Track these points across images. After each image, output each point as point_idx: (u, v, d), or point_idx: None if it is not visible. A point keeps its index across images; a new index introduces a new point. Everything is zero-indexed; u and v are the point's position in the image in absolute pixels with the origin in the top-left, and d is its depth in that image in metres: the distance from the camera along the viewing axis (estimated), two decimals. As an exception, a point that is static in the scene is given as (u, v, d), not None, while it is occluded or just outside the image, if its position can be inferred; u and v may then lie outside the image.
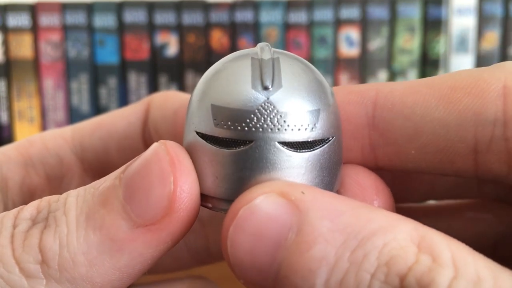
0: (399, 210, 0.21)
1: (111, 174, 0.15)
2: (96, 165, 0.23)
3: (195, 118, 0.15)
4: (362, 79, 0.56)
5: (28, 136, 0.23)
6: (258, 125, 0.14)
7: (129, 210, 0.14)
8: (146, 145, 0.23)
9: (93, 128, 0.23)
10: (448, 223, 0.21)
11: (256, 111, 0.14)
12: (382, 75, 0.56)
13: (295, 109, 0.15)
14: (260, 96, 0.15)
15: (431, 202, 0.23)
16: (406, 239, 0.13)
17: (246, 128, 0.14)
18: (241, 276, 0.14)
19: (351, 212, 0.13)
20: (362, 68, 0.56)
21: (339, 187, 0.17)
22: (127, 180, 0.15)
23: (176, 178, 0.14)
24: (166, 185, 0.14)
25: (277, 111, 0.14)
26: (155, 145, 0.15)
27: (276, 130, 0.15)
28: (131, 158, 0.23)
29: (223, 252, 0.14)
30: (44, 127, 0.55)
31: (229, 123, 0.15)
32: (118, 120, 0.23)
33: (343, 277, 0.13)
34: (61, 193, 0.23)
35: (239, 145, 0.15)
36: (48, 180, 0.23)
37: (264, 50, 0.15)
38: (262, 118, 0.14)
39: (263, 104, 0.14)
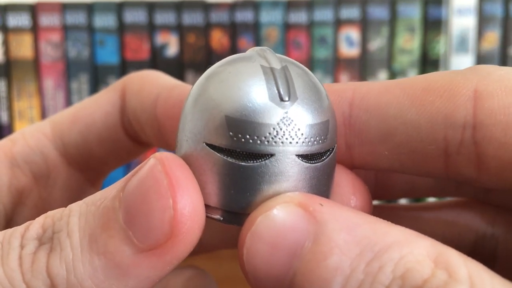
0: (380, 210, 0.21)
1: (110, 189, 0.15)
2: (79, 158, 0.23)
3: (203, 129, 0.15)
4: (362, 79, 0.56)
5: (10, 135, 0.23)
6: (278, 139, 0.14)
7: (130, 235, 0.14)
8: (127, 132, 0.23)
9: (70, 122, 0.23)
10: (427, 223, 0.21)
11: (277, 124, 0.14)
12: (382, 75, 0.56)
13: (311, 122, 0.15)
14: (279, 109, 0.14)
15: (405, 201, 0.23)
16: (422, 254, 0.13)
17: (266, 142, 0.14)
18: (255, 283, 0.14)
19: (368, 225, 0.13)
20: (362, 68, 0.56)
21: None
22: (126, 203, 0.14)
23: (175, 202, 0.14)
24: (165, 210, 0.14)
25: (295, 124, 0.14)
26: (151, 162, 0.15)
27: (295, 144, 0.14)
28: (113, 147, 0.23)
29: (238, 259, 0.14)
30: (44, 127, 0.55)
31: (247, 136, 0.14)
32: (95, 110, 0.23)
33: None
34: (48, 191, 0.23)
35: (258, 159, 0.14)
36: (35, 179, 0.23)
37: (270, 57, 0.15)
38: (282, 132, 0.14)
39: (282, 118, 0.14)
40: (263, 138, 0.14)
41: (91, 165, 0.23)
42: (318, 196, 0.15)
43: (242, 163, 0.14)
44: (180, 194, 0.14)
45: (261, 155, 0.14)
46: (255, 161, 0.14)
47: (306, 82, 0.15)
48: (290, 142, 0.14)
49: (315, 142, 0.15)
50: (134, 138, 0.23)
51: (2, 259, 0.15)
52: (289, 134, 0.14)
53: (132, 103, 0.22)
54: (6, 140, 0.23)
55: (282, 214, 0.14)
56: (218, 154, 0.15)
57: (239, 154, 0.15)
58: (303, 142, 0.15)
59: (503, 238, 0.20)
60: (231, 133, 0.14)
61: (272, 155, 0.14)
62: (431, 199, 0.46)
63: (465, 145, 0.16)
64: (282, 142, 0.14)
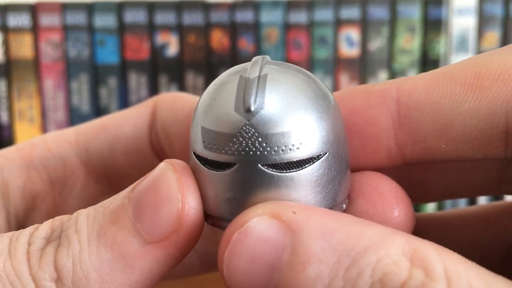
0: None
1: (119, 194, 0.16)
2: (101, 168, 0.23)
3: (192, 138, 0.16)
4: (362, 80, 0.56)
5: (29, 139, 0.23)
6: (240, 149, 0.15)
7: (139, 227, 0.15)
8: (153, 148, 0.23)
9: (98, 130, 0.23)
10: (457, 231, 0.21)
11: (238, 134, 0.15)
12: (382, 75, 0.56)
13: (276, 131, 0.15)
14: (242, 119, 0.15)
15: (437, 211, 0.23)
16: (398, 253, 0.13)
17: (229, 152, 0.15)
18: None
19: (343, 229, 0.13)
20: (362, 68, 0.56)
21: (346, 197, 0.17)
22: (136, 198, 0.15)
23: (183, 195, 0.15)
24: (174, 202, 0.15)
25: (258, 134, 0.15)
26: (162, 164, 0.16)
27: (258, 153, 0.15)
28: (138, 161, 0.23)
29: (220, 274, 0.15)
30: (44, 127, 0.55)
31: (214, 146, 0.15)
32: (124, 122, 0.23)
33: None
34: (63, 198, 0.23)
35: (225, 168, 0.15)
36: (51, 184, 0.22)
37: (254, 67, 0.15)
38: (244, 142, 0.15)
39: (244, 128, 0.15)
40: (227, 148, 0.15)
41: (111, 176, 0.23)
42: (291, 203, 0.15)
43: (213, 171, 0.15)
44: (187, 189, 0.15)
45: (226, 164, 0.15)
46: (222, 170, 0.15)
47: (284, 90, 0.15)
48: (252, 152, 0.15)
49: (283, 151, 0.15)
50: (159, 154, 0.23)
51: (10, 253, 0.15)
52: (251, 144, 0.15)
53: (163, 117, 0.23)
54: (25, 144, 0.23)
55: (257, 228, 0.14)
56: (199, 162, 0.16)
57: (211, 162, 0.15)
58: (266, 152, 0.15)
59: None
60: (204, 142, 0.15)
61: (234, 164, 0.15)
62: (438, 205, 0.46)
63: None
64: (244, 152, 0.15)
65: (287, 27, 0.55)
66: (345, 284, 0.13)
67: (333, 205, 0.16)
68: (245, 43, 0.55)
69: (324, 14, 0.55)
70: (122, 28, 0.54)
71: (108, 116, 0.24)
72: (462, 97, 0.16)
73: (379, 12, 0.55)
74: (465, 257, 0.13)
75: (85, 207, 0.16)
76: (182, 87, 0.55)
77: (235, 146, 0.15)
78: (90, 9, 0.53)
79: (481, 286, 0.12)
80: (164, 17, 0.54)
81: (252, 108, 0.15)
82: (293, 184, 0.15)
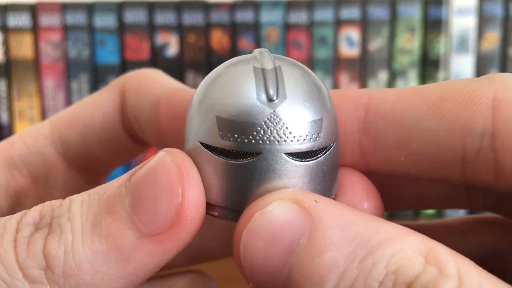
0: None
1: (115, 181, 0.15)
2: (79, 159, 0.23)
3: (199, 129, 0.16)
4: (362, 80, 0.56)
5: (8, 138, 0.23)
6: (265, 138, 0.15)
7: (135, 220, 0.14)
8: (127, 132, 0.23)
9: (70, 122, 0.23)
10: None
11: (263, 123, 0.15)
12: (382, 75, 0.56)
13: (300, 121, 0.15)
14: (266, 108, 0.15)
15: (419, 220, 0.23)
16: (414, 250, 0.13)
17: (253, 141, 0.15)
18: (251, 278, 0.14)
19: (361, 222, 0.14)
20: (362, 68, 0.56)
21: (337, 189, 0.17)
22: (134, 189, 0.15)
23: (184, 189, 0.15)
24: (174, 196, 0.15)
25: (283, 123, 0.15)
26: (161, 154, 0.15)
27: (283, 142, 0.15)
28: (113, 148, 0.23)
29: (234, 254, 0.15)
30: (44, 127, 0.55)
31: (235, 135, 0.15)
32: (94, 110, 0.23)
33: (352, 283, 0.13)
34: (48, 192, 0.23)
35: (246, 157, 0.15)
36: (33, 180, 0.22)
37: (264, 58, 0.16)
38: (269, 131, 0.15)
39: (269, 117, 0.15)
40: (250, 137, 0.15)
41: (91, 165, 0.23)
42: (312, 193, 0.15)
43: (232, 161, 0.15)
44: (188, 182, 0.15)
45: (249, 153, 0.15)
46: (243, 160, 0.15)
47: (300, 82, 0.15)
48: (278, 141, 0.15)
49: (305, 141, 0.15)
50: (134, 137, 0.23)
51: None
52: (276, 133, 0.15)
53: (131, 102, 0.22)
54: (4, 143, 0.23)
55: (278, 210, 0.14)
56: (211, 153, 0.15)
57: (229, 152, 0.15)
58: (291, 140, 0.15)
59: (510, 256, 0.20)
60: (221, 133, 0.15)
61: (259, 153, 0.15)
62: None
63: (483, 152, 0.16)
64: (269, 141, 0.15)
65: (287, 27, 0.55)
66: (360, 273, 0.13)
67: (334, 193, 0.17)
68: (245, 43, 0.55)
69: (324, 14, 0.55)
70: (122, 28, 0.54)
71: (78, 104, 0.23)
72: (424, 114, 0.16)
73: (379, 12, 0.55)
74: None
75: None
76: (182, 87, 0.55)
77: (260, 135, 0.15)
78: (90, 9, 0.53)
79: None
80: (164, 17, 0.54)
81: (276, 98, 0.15)
82: (310, 173, 0.15)
